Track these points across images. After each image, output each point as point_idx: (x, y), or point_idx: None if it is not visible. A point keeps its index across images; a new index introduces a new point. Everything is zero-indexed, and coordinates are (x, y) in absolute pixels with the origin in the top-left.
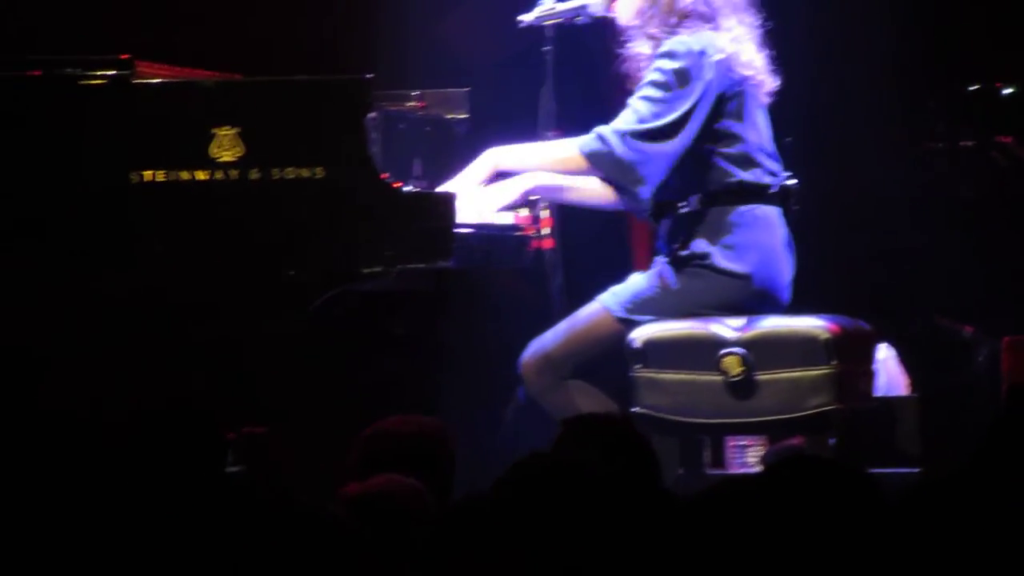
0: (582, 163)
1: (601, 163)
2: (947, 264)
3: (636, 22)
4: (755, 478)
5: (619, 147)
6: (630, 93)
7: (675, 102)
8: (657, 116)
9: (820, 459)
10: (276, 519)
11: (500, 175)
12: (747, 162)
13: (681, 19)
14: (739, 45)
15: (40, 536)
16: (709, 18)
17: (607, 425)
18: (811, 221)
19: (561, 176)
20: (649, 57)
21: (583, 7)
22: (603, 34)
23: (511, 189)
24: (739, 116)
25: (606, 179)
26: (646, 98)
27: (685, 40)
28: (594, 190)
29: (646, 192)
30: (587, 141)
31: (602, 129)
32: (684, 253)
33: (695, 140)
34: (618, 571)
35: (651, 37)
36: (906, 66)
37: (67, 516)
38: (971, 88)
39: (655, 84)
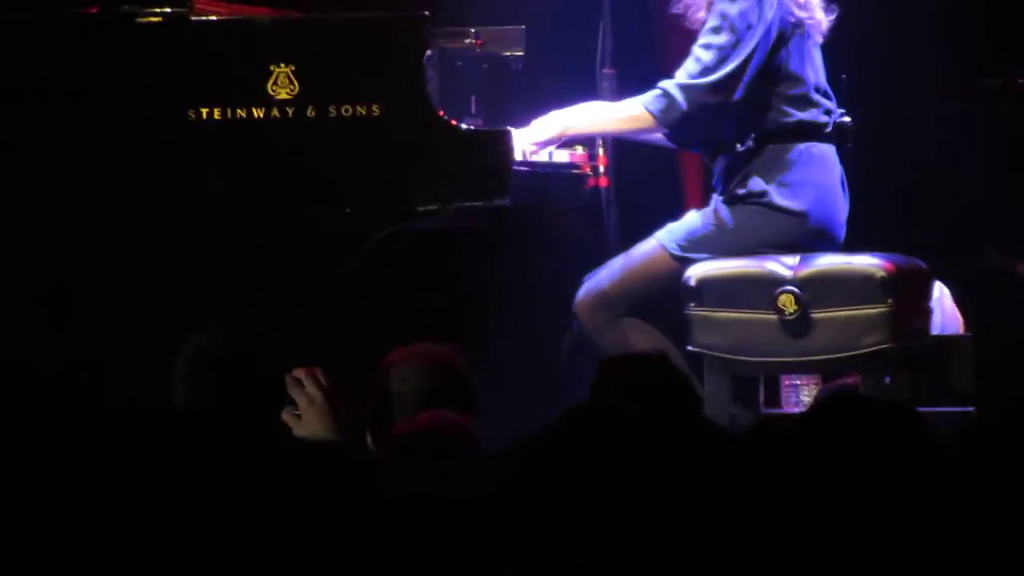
0: (650, 121)
1: (667, 119)
2: (1002, 202)
3: None
4: (804, 416)
5: (685, 102)
6: (686, 31)
7: (736, 47)
8: (720, 65)
9: (870, 398)
10: (320, 463)
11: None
12: (803, 101)
13: None
14: None
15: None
16: None
17: (644, 365)
18: (866, 159)
19: (598, 118)
20: (708, 3)
21: None
22: None
23: (543, 129)
24: (797, 55)
25: (674, 134)
26: (707, 46)
27: None
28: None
29: (717, 143)
30: (652, 98)
31: (666, 84)
32: (740, 191)
33: (756, 83)
34: (667, 512)
35: None
36: (963, 2)
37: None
38: None
39: (715, 29)
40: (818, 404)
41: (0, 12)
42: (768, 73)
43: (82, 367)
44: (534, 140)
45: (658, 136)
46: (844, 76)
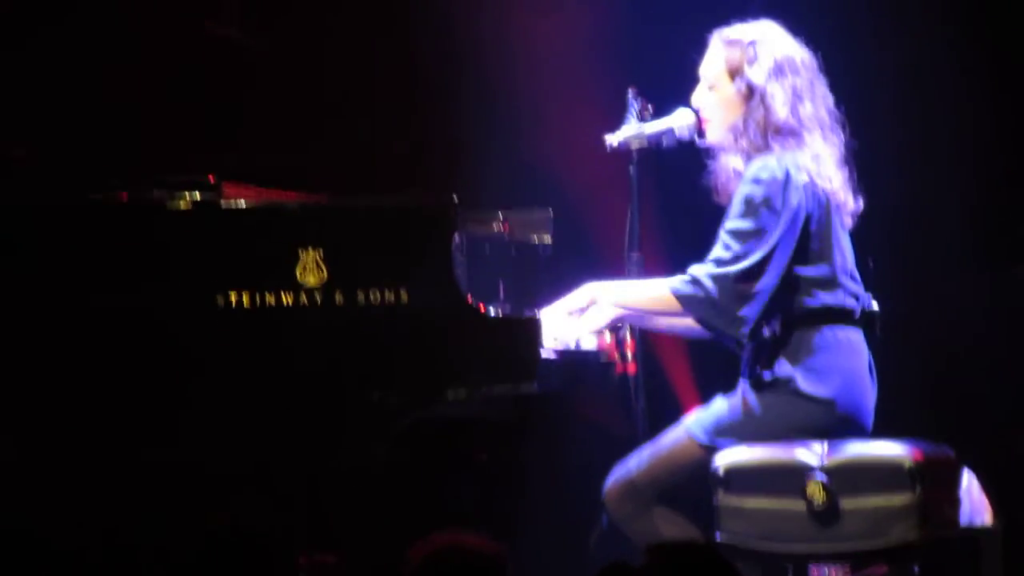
0: (676, 305)
1: (696, 306)
2: None
3: (729, 138)
4: None
5: (714, 289)
6: (715, 212)
7: (764, 235)
8: (748, 253)
9: None
10: None
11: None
12: (831, 285)
13: (775, 133)
14: (819, 164)
15: None
16: (797, 133)
17: (692, 553)
18: (893, 344)
19: (628, 295)
20: (737, 174)
21: (669, 129)
22: (689, 156)
23: (600, 315)
24: (824, 238)
25: (700, 320)
26: (734, 232)
27: (770, 165)
28: (680, 318)
29: (745, 331)
30: (680, 284)
31: (695, 270)
32: (767, 377)
33: (785, 269)
34: None
35: (744, 152)
36: (992, 189)
37: None
38: None
39: (743, 215)
40: None
41: (31, 197)
42: (795, 257)
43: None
44: (567, 308)
45: (687, 325)
46: (872, 262)
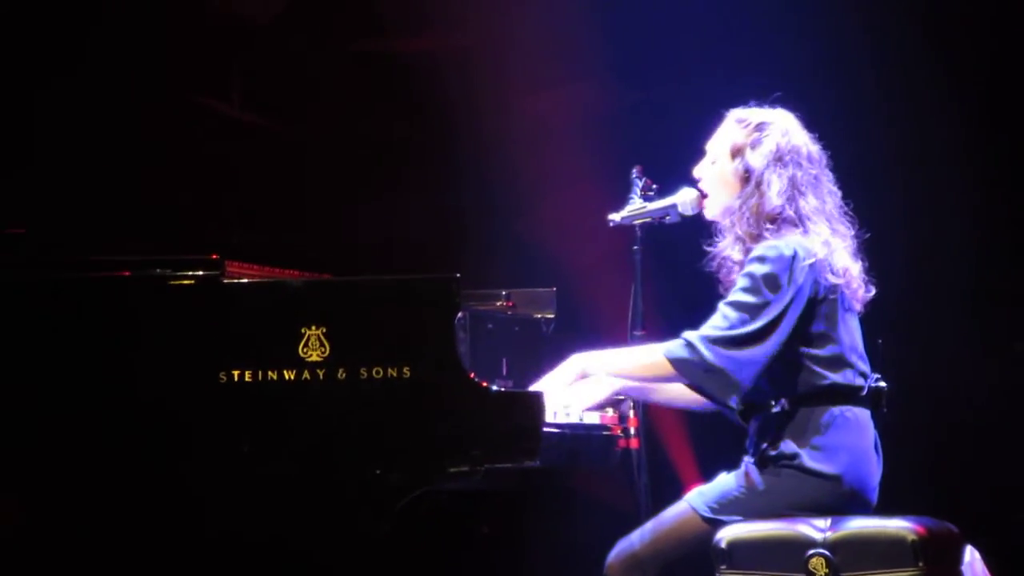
0: (669, 370)
1: (689, 371)
2: None
3: (725, 221)
4: None
5: (708, 354)
6: (718, 293)
7: (765, 308)
8: (746, 322)
9: None
10: None
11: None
12: (838, 364)
13: (769, 222)
14: (830, 250)
15: None
16: (797, 223)
17: None
18: (898, 422)
19: (617, 362)
20: (739, 261)
21: (672, 207)
22: (692, 234)
23: (600, 389)
24: (831, 319)
25: (692, 386)
26: (735, 303)
27: (777, 244)
28: (682, 392)
29: (736, 399)
30: (674, 348)
31: (690, 335)
32: (772, 453)
33: (785, 344)
34: None
35: (739, 239)
36: (995, 269)
37: None
38: None
39: (746, 289)
40: None
41: (34, 274)
42: (801, 334)
43: None
44: (588, 404)
45: (685, 398)
46: (880, 341)
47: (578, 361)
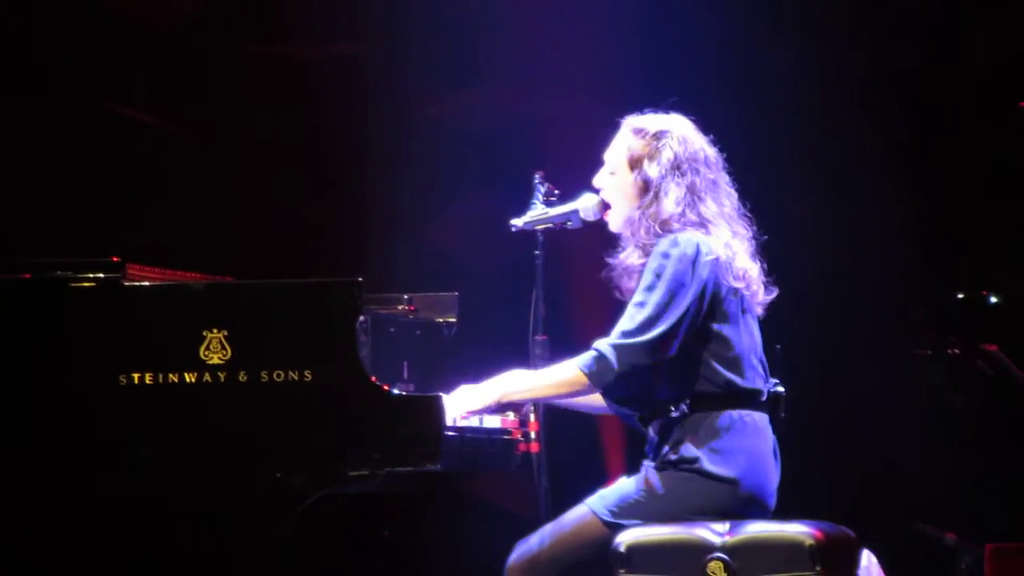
0: (585, 382)
1: (603, 381)
2: (930, 470)
3: (626, 230)
4: None
5: (618, 362)
6: (618, 299)
7: (669, 307)
8: (653, 324)
9: None
10: None
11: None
12: (737, 366)
13: (667, 229)
14: (731, 252)
15: None
16: (699, 227)
17: None
18: (796, 427)
19: (535, 385)
20: (632, 270)
21: (574, 212)
22: (594, 239)
23: (482, 396)
24: (732, 321)
25: (607, 395)
26: (641, 304)
27: (678, 239)
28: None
29: (649, 404)
30: (587, 360)
31: (600, 344)
32: (672, 457)
33: (689, 341)
34: None
35: (639, 248)
36: (895, 275)
37: None
38: (958, 296)
39: (650, 288)
40: None
41: None
42: (702, 335)
43: None
44: (470, 408)
45: (594, 403)
46: (778, 347)
47: (492, 386)
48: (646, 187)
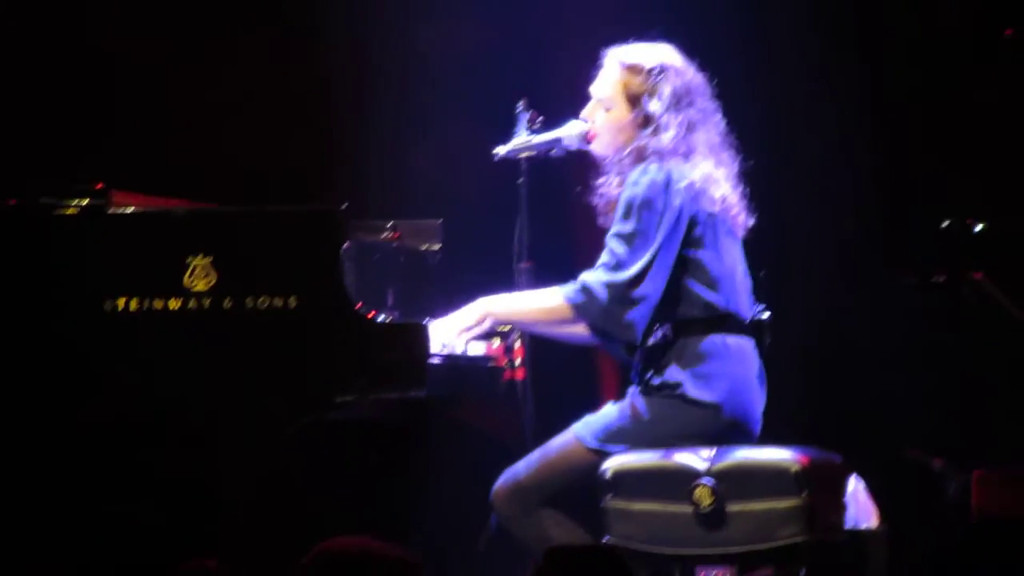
0: (569, 313)
1: (588, 313)
2: (917, 396)
3: (614, 159)
4: None
5: (604, 296)
6: (601, 227)
7: (647, 236)
8: (634, 255)
9: None
10: None
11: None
12: (718, 290)
13: (656, 157)
14: (710, 179)
15: None
16: (683, 157)
17: (591, 555)
18: (782, 353)
19: (519, 307)
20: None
21: (558, 140)
22: (576, 167)
23: (467, 315)
24: (711, 245)
25: (593, 327)
26: (619, 235)
27: (650, 169)
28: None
29: (637, 336)
30: (573, 292)
31: (586, 277)
32: (656, 382)
33: (672, 271)
34: None
35: (621, 175)
36: (880, 202)
37: None
38: (943, 224)
39: (624, 218)
40: None
41: None
42: (682, 261)
43: None
44: (459, 326)
45: (578, 332)
46: (763, 272)
47: (481, 305)
48: (646, 122)
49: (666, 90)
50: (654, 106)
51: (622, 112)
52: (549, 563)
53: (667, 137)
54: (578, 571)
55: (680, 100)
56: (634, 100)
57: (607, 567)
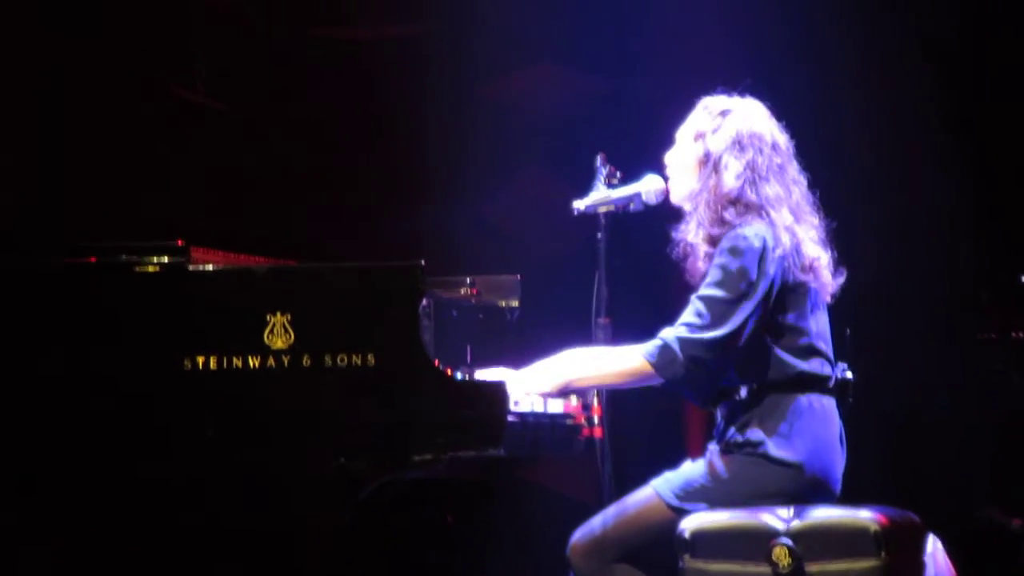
0: (651, 373)
1: (668, 372)
2: (996, 456)
3: (687, 204)
4: None
5: (685, 355)
6: (681, 280)
7: (738, 304)
8: (721, 321)
9: None
10: None
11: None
12: (807, 353)
13: (729, 204)
14: (797, 239)
15: None
16: (757, 207)
17: None
18: (863, 412)
19: (599, 373)
20: (706, 254)
21: (636, 195)
22: (656, 222)
23: (547, 382)
24: (800, 309)
25: (670, 384)
26: (707, 298)
27: (746, 234)
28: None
29: (709, 399)
30: (652, 350)
31: (666, 335)
32: (738, 440)
33: (757, 337)
34: None
35: (701, 224)
36: (960, 259)
37: None
38: (1023, 279)
39: (718, 283)
40: None
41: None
42: (770, 326)
43: None
44: (538, 391)
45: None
46: (848, 331)
47: (559, 371)
48: (706, 159)
49: (728, 130)
50: (713, 143)
51: (687, 150)
52: None
53: (728, 176)
54: None
55: (742, 141)
56: (698, 137)
57: None
